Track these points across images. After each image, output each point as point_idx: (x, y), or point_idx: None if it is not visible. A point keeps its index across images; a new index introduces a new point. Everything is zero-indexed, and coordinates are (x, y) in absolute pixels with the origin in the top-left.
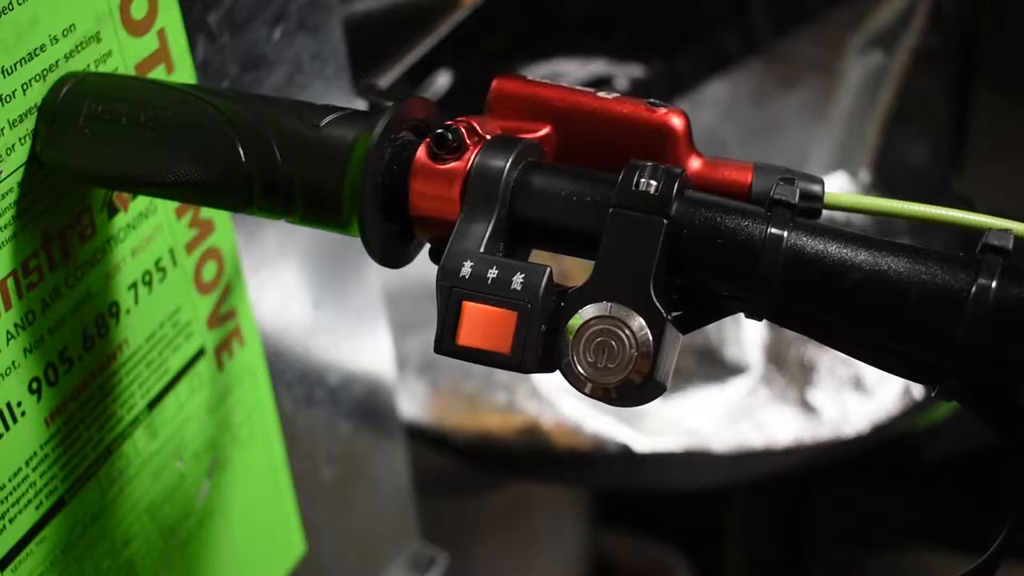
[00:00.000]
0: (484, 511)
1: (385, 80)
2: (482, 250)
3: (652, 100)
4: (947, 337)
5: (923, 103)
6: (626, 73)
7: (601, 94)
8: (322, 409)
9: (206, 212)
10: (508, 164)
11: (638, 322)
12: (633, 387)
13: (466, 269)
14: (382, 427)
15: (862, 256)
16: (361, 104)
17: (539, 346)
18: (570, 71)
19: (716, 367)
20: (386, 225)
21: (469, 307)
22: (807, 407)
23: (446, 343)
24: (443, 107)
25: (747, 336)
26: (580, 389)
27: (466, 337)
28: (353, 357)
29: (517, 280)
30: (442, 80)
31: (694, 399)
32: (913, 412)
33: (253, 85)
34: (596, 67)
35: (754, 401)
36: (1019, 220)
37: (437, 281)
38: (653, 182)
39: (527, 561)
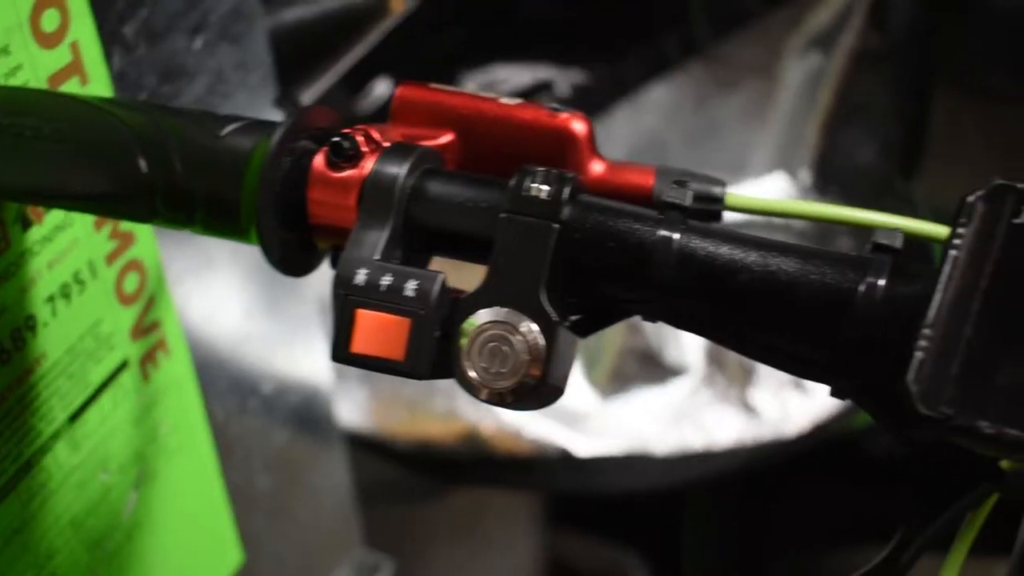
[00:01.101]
0: (435, 517)
1: (317, 89)
2: (377, 257)
3: (555, 106)
4: (833, 336)
5: (867, 103)
6: (567, 78)
7: (504, 100)
8: (256, 418)
9: (126, 223)
10: (404, 171)
11: (529, 327)
12: (527, 391)
13: (360, 276)
14: (320, 435)
15: (752, 257)
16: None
17: (433, 352)
18: (511, 77)
19: (657, 369)
20: (286, 234)
21: (362, 314)
22: (748, 408)
23: (340, 351)
24: (382, 114)
25: (687, 338)
26: (475, 394)
27: (360, 344)
28: (288, 366)
29: (410, 287)
30: (381, 88)
31: (635, 402)
32: (853, 410)
33: (173, 96)
34: (537, 73)
35: (695, 403)
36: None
37: (332, 289)
38: (544, 187)
39: (480, 566)
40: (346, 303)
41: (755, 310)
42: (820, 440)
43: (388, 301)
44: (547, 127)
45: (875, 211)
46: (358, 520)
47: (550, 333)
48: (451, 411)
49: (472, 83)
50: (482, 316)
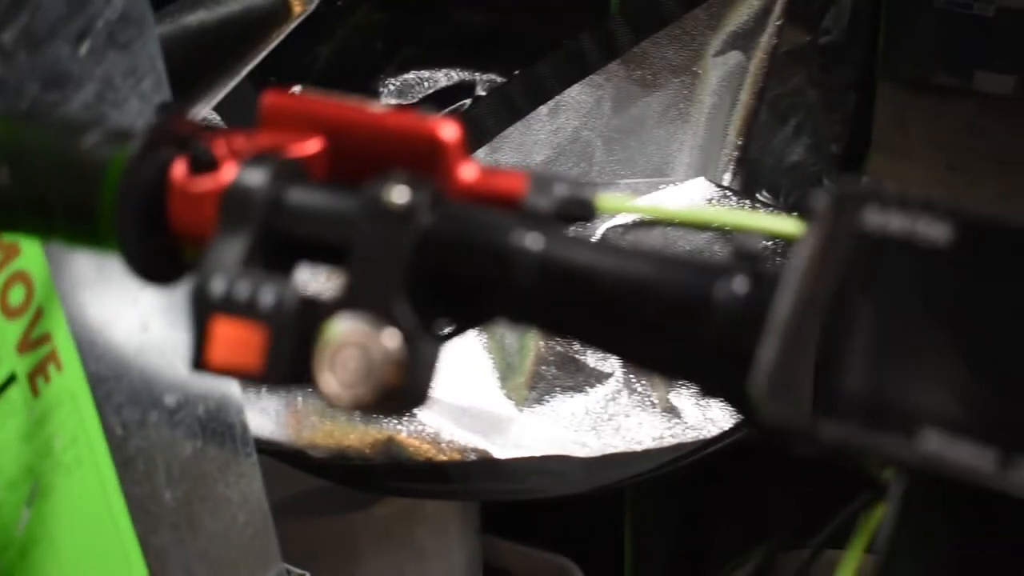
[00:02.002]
0: (361, 528)
1: (216, 95)
2: (236, 267)
3: (425, 111)
4: (696, 339)
5: (794, 103)
6: (487, 81)
7: (374, 107)
8: (159, 431)
9: (10, 235)
10: (264, 180)
11: (389, 333)
12: (387, 399)
13: (218, 285)
14: (230, 446)
15: (612, 263)
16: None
17: (291, 360)
18: (430, 79)
19: (579, 373)
20: (148, 244)
21: (219, 323)
22: (670, 410)
23: (198, 360)
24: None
25: None
26: (334, 402)
27: (218, 354)
28: (191, 377)
29: (267, 295)
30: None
31: (555, 407)
32: None
33: (58, 104)
34: (456, 75)
35: (617, 406)
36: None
37: (189, 298)
38: (402, 193)
39: None
40: (202, 312)
41: (616, 315)
42: (743, 442)
43: (244, 310)
44: (416, 133)
45: (747, 213)
46: (277, 534)
47: (409, 340)
48: (367, 419)
49: (391, 85)
50: (340, 324)
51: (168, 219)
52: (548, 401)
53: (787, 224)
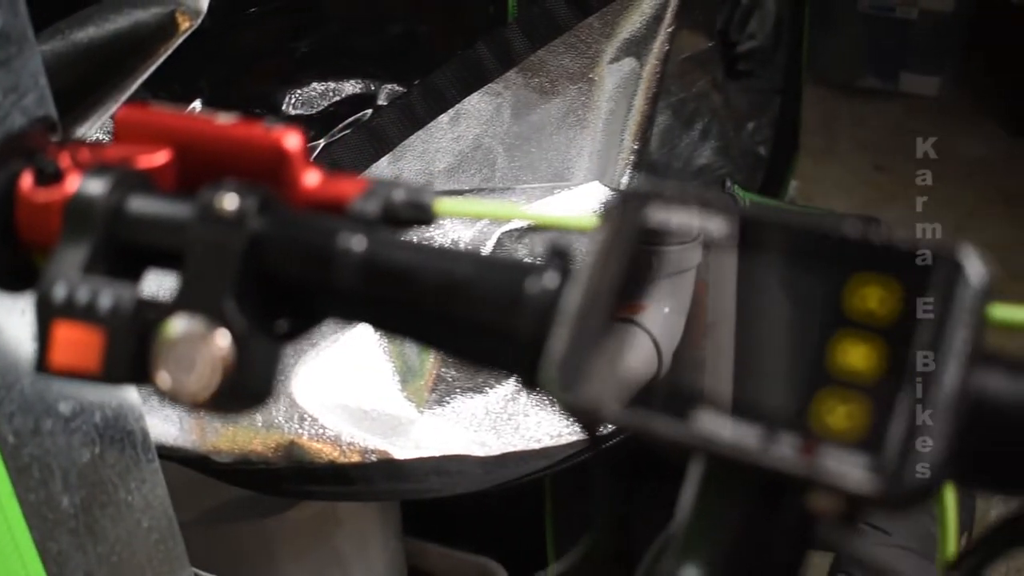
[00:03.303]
0: (280, 533)
1: (106, 111)
2: (78, 273)
3: (269, 122)
4: (512, 333)
5: (700, 106)
6: (389, 91)
7: (221, 119)
8: (54, 438)
9: None
10: (104, 190)
11: (219, 335)
12: (222, 397)
13: (59, 291)
14: (131, 453)
15: (431, 263)
16: None
17: (129, 361)
18: (336, 90)
19: (479, 375)
20: (2, 253)
21: (60, 328)
22: None
23: (41, 364)
24: None
25: None
26: (173, 400)
27: (58, 356)
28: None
29: (105, 299)
30: (195, 108)
31: (457, 408)
32: None
33: None
34: (359, 86)
35: (516, 406)
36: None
37: (34, 304)
38: (232, 200)
39: None
40: (44, 317)
41: (438, 312)
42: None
43: (84, 314)
44: (260, 143)
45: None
46: (184, 539)
47: (240, 339)
48: (269, 423)
49: (295, 96)
50: (174, 324)
51: (16, 229)
52: (448, 403)
53: (587, 221)
